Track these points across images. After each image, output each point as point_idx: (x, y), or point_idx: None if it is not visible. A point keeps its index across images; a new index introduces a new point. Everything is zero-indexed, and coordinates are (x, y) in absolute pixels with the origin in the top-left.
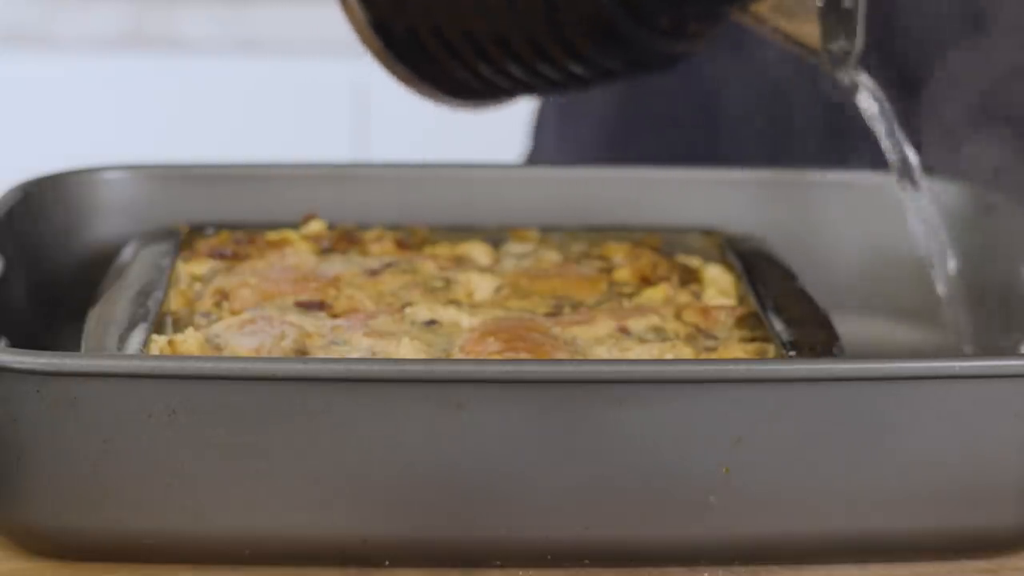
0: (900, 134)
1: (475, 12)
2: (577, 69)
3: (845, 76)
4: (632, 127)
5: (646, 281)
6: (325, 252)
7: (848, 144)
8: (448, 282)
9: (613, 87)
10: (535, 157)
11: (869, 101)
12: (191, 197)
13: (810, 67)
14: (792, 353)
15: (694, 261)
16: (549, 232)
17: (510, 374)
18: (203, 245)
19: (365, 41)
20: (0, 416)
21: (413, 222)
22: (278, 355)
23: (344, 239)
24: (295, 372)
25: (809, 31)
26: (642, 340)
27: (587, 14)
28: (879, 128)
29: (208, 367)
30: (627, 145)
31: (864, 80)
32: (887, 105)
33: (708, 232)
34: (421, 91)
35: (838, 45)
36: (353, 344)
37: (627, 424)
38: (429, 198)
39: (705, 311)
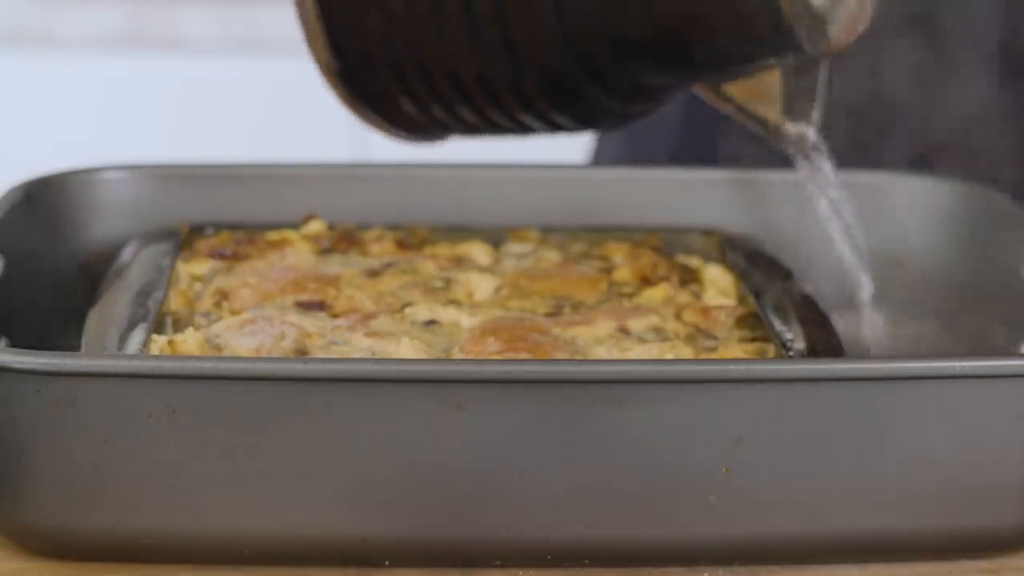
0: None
1: (434, 46)
2: (526, 119)
3: (801, 150)
4: (697, 135)
5: (646, 281)
6: (325, 252)
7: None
8: (448, 282)
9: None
10: (600, 155)
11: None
12: (191, 197)
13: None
14: (792, 353)
15: (694, 261)
16: (549, 232)
17: (510, 374)
18: (203, 245)
19: (317, 58)
20: (0, 416)
21: (413, 222)
22: (278, 355)
23: (344, 239)
24: (295, 372)
25: (771, 109)
26: (642, 340)
27: (545, 66)
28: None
29: (208, 367)
30: (692, 152)
31: (817, 149)
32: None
33: (708, 232)
34: (365, 118)
35: (797, 120)
36: (353, 344)
37: (627, 424)
38: (429, 198)
39: (705, 311)
